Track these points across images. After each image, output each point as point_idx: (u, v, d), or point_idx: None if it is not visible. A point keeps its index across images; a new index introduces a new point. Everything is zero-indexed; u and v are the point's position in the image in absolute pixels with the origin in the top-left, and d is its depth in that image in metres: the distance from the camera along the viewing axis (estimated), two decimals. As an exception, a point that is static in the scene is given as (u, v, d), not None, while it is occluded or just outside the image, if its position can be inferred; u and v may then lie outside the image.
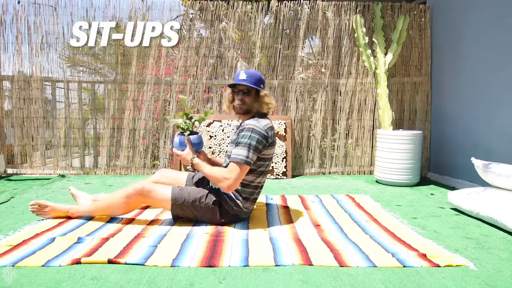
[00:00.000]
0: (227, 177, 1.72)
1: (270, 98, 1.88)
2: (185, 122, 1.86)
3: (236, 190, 1.82)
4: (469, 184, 2.83)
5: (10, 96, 3.45)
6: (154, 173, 2.66)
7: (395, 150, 3.02)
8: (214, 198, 1.81)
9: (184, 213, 1.84)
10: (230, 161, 1.75)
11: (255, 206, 2.16)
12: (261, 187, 1.90)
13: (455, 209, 2.28)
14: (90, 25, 3.41)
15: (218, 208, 1.82)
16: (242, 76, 1.81)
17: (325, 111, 3.67)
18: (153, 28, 3.50)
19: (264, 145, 1.77)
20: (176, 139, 1.87)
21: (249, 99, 1.82)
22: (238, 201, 1.83)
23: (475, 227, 1.93)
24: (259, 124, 1.77)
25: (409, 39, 3.61)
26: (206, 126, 3.39)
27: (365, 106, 3.68)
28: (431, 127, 3.59)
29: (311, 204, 2.35)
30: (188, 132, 1.87)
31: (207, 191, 1.84)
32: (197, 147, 1.87)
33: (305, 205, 2.32)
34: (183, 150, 1.85)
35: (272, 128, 1.83)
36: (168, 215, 2.01)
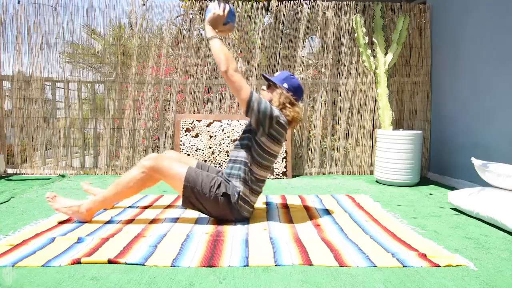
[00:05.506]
0: (233, 67, 1.75)
1: (286, 97, 1.90)
2: None
3: (244, 181, 1.84)
4: (469, 184, 2.83)
5: (10, 96, 3.45)
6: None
7: (395, 150, 3.02)
8: (223, 190, 1.81)
9: (192, 199, 1.82)
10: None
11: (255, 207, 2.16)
12: (264, 181, 1.95)
13: (455, 209, 2.28)
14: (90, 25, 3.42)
15: (226, 200, 1.81)
16: (276, 74, 2.01)
17: (325, 111, 3.67)
18: (153, 28, 3.49)
19: (271, 115, 1.79)
20: (211, 5, 1.84)
21: (268, 92, 1.98)
22: (245, 192, 1.84)
23: (475, 227, 1.93)
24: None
25: (409, 39, 3.61)
26: (206, 126, 3.39)
27: (365, 106, 3.68)
28: (431, 127, 3.59)
29: (311, 204, 2.35)
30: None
31: (219, 181, 1.83)
32: (230, 18, 1.87)
33: (305, 205, 2.32)
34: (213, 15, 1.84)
35: (285, 121, 1.88)
36: (168, 215, 2.02)
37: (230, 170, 1.89)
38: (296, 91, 1.95)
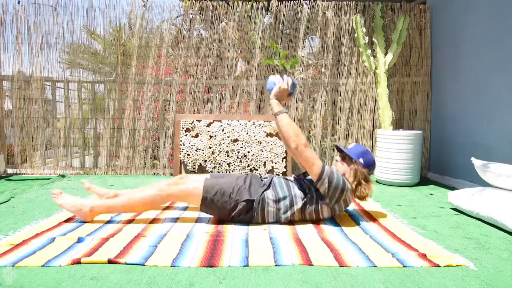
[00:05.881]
0: (303, 143, 1.74)
1: (362, 173, 1.88)
2: (283, 64, 1.90)
3: (279, 199, 1.84)
4: (469, 184, 2.83)
5: (10, 96, 3.45)
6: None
7: (395, 150, 3.02)
8: (246, 197, 1.81)
9: (212, 207, 1.83)
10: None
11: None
12: (293, 219, 1.91)
13: (455, 209, 2.28)
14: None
15: (246, 205, 1.81)
16: (350, 145, 2.01)
17: (325, 111, 3.67)
18: (153, 28, 3.50)
19: (342, 190, 1.80)
20: (276, 78, 1.86)
21: (342, 164, 1.96)
22: (269, 209, 1.84)
23: (475, 227, 1.93)
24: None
25: (409, 39, 3.61)
26: (206, 126, 3.39)
27: (365, 106, 3.68)
28: (431, 127, 3.59)
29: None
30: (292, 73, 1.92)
31: (244, 188, 1.83)
32: (292, 89, 1.89)
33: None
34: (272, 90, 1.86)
35: (350, 199, 1.89)
36: (168, 215, 2.02)
37: (282, 195, 1.86)
38: (371, 168, 1.94)
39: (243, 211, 1.82)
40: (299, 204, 1.85)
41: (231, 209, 1.82)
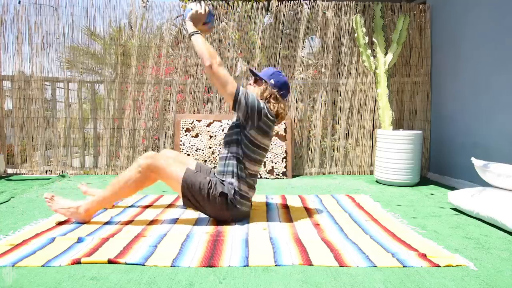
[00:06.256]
0: (217, 61, 1.75)
1: (270, 92, 1.92)
2: None
3: (238, 177, 1.84)
4: (469, 184, 2.83)
5: (10, 96, 3.45)
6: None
7: (395, 150, 3.02)
8: (220, 190, 1.81)
9: (191, 199, 1.82)
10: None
11: (253, 207, 2.16)
12: (257, 176, 1.96)
13: (455, 209, 2.28)
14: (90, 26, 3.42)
15: (224, 200, 1.81)
16: (264, 69, 2.04)
17: (325, 111, 3.67)
18: (153, 28, 3.50)
19: (259, 108, 1.80)
20: (191, 5, 1.88)
21: (254, 85, 2.00)
22: (240, 187, 1.85)
23: (475, 227, 1.93)
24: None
25: (409, 39, 3.61)
26: (206, 126, 3.39)
27: (365, 106, 3.68)
28: (431, 127, 3.59)
29: (311, 204, 2.35)
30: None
31: (215, 182, 1.83)
32: (209, 18, 1.91)
33: (305, 205, 2.32)
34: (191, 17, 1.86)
35: (272, 114, 1.90)
36: (168, 215, 2.02)
37: (223, 167, 1.89)
38: (282, 88, 1.97)
39: (224, 207, 1.82)
40: (240, 153, 1.85)
41: (209, 204, 1.81)
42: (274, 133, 1.96)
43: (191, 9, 1.88)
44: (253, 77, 2.04)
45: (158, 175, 1.80)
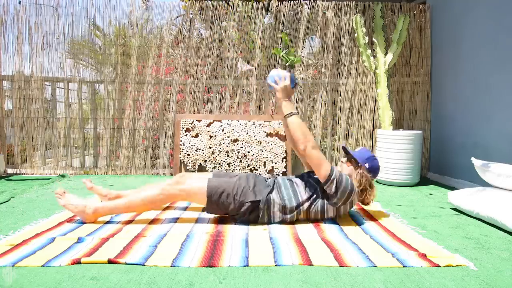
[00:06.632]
0: (311, 145, 1.74)
1: (367, 180, 1.89)
2: (290, 58, 1.90)
3: (285, 202, 1.84)
4: (469, 184, 2.83)
5: (10, 96, 3.45)
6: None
7: (395, 150, 3.02)
8: (251, 199, 1.80)
9: (217, 208, 1.83)
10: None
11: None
12: (298, 219, 1.92)
13: (455, 209, 2.28)
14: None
15: (251, 207, 1.81)
16: (357, 148, 2.08)
17: (325, 111, 3.67)
18: (153, 28, 3.50)
19: (350, 192, 1.80)
20: (277, 72, 1.86)
21: (348, 166, 1.97)
22: (274, 210, 1.85)
23: (475, 227, 1.93)
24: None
25: (409, 39, 3.61)
26: (206, 126, 3.39)
27: (365, 106, 3.68)
28: (431, 127, 3.59)
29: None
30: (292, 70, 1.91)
31: (241, 188, 1.83)
32: (293, 83, 1.89)
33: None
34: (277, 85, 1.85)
35: (355, 200, 1.89)
36: (168, 215, 2.02)
37: (287, 197, 1.86)
38: (375, 173, 1.95)
39: (248, 211, 1.82)
40: (305, 205, 1.85)
41: (235, 209, 1.82)
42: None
43: (275, 80, 1.84)
44: (347, 156, 2.01)
45: (184, 199, 1.87)
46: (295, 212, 1.85)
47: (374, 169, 1.94)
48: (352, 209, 2.22)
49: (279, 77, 1.85)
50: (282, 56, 1.93)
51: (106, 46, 3.53)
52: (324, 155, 3.67)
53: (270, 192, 1.86)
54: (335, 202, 1.83)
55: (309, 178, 1.95)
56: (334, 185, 1.77)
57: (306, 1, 3.60)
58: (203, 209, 1.91)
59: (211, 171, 3.32)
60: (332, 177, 1.76)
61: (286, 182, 1.93)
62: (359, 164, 1.92)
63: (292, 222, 1.88)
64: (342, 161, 2.01)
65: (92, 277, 1.26)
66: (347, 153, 2.01)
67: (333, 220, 1.96)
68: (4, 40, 3.40)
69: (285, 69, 1.90)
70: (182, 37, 3.60)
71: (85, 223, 1.85)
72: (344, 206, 1.86)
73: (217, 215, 1.94)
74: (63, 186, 2.88)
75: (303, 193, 1.87)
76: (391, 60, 3.26)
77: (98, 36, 3.50)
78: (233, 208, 1.81)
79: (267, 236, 1.69)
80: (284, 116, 1.82)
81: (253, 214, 1.83)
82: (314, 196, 1.86)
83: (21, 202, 2.34)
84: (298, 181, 1.94)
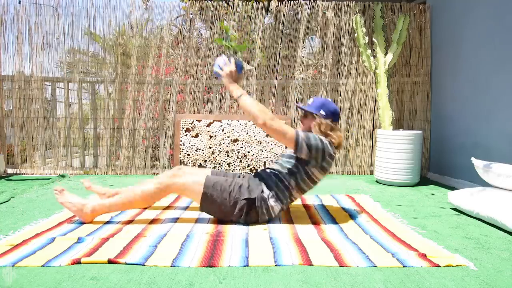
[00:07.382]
0: (269, 117, 1.75)
1: (326, 125, 1.90)
2: (233, 45, 1.94)
3: (280, 200, 1.85)
4: (469, 184, 2.83)
5: (10, 96, 3.45)
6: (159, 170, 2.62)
7: (395, 150, 3.02)
8: (246, 196, 1.81)
9: (210, 205, 1.83)
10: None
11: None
12: (295, 199, 1.94)
13: (455, 209, 2.28)
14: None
15: (247, 206, 1.81)
16: (309, 101, 1.99)
17: (325, 111, 3.66)
18: (153, 28, 3.50)
19: (323, 148, 1.80)
20: (221, 60, 1.88)
21: (306, 121, 1.97)
22: (274, 208, 1.85)
23: (475, 227, 1.93)
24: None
25: (409, 39, 3.61)
26: (206, 126, 3.39)
27: (365, 106, 3.68)
28: (431, 127, 3.59)
29: (311, 204, 2.35)
30: (239, 54, 1.93)
31: (239, 184, 1.84)
32: (240, 68, 1.90)
33: (305, 205, 2.32)
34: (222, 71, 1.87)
35: (334, 152, 1.89)
36: (168, 215, 2.02)
37: (275, 186, 1.86)
38: (334, 115, 1.94)
39: (244, 212, 1.82)
40: (292, 182, 1.86)
41: (231, 206, 1.81)
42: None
43: (220, 67, 1.86)
44: (303, 112, 2.02)
45: (180, 191, 1.85)
46: (287, 194, 1.87)
47: (331, 113, 1.93)
48: (352, 209, 2.22)
49: (224, 63, 1.87)
50: (225, 44, 1.97)
51: (105, 47, 3.52)
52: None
53: (262, 190, 1.87)
54: (316, 162, 1.83)
55: (282, 157, 1.97)
56: (305, 147, 1.77)
57: (306, 1, 3.60)
58: (200, 206, 1.90)
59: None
60: (299, 141, 1.77)
61: (266, 172, 1.94)
62: (314, 114, 1.93)
63: (290, 208, 1.90)
64: (300, 120, 2.02)
65: (92, 277, 1.26)
66: (301, 109, 2.02)
67: (333, 220, 1.97)
68: (4, 40, 3.40)
69: (230, 56, 1.92)
70: (182, 37, 3.60)
71: (84, 222, 1.85)
72: (325, 161, 1.85)
73: (213, 216, 1.93)
74: (63, 186, 2.88)
75: (284, 173, 1.88)
76: (391, 60, 3.26)
77: (98, 41, 3.49)
78: (228, 205, 1.80)
79: (267, 236, 1.69)
80: (236, 100, 1.84)
81: (250, 215, 1.83)
82: (295, 169, 1.87)
83: (21, 202, 2.34)
84: (275, 166, 1.96)
